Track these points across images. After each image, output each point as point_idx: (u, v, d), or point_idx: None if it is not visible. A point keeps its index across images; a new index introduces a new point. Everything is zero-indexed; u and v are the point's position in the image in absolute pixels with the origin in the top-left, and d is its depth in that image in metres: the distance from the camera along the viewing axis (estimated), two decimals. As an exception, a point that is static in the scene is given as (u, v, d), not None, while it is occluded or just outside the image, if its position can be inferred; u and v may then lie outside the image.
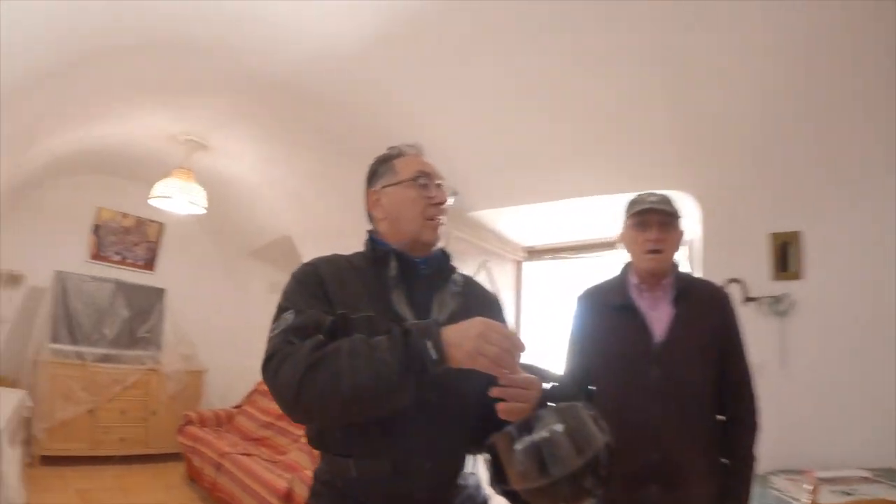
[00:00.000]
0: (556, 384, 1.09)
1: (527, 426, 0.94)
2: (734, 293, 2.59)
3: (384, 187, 1.26)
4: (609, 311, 1.76)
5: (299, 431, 4.21)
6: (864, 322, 2.44)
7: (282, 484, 3.31)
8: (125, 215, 5.67)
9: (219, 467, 3.97)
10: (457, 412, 1.10)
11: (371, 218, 1.31)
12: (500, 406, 0.97)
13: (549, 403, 1.00)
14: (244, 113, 3.58)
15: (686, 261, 2.91)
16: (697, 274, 2.69)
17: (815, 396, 2.47)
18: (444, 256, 1.28)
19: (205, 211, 4.42)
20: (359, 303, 1.12)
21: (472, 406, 1.08)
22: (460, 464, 1.16)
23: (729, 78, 2.40)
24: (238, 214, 5.49)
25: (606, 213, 3.21)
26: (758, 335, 2.01)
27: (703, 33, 2.22)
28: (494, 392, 0.97)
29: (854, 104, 2.33)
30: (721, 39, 2.24)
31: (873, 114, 2.32)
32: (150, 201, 4.33)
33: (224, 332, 5.98)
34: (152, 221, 5.80)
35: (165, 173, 4.25)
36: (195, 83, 3.18)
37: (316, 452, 1.22)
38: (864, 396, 2.37)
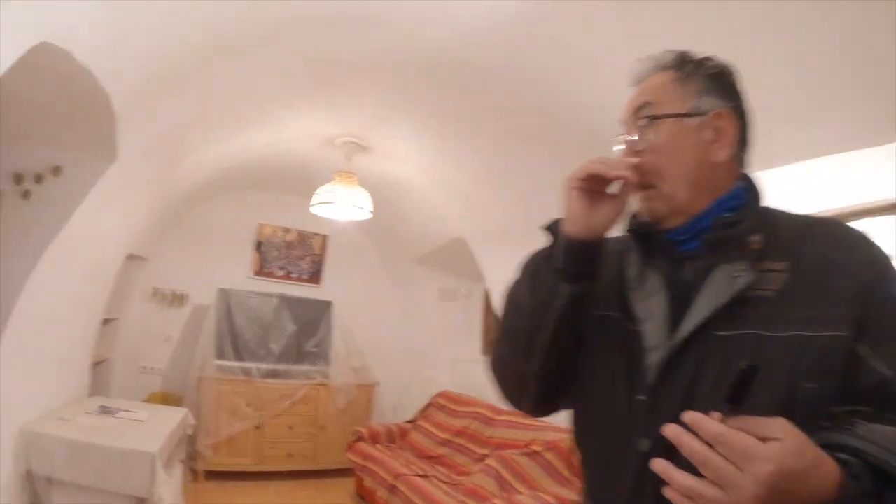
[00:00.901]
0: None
1: None
2: None
3: None
4: None
5: (482, 450, 3.82)
6: None
7: (468, 513, 2.92)
8: (287, 230, 5.70)
9: (392, 489, 3.66)
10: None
11: None
12: (679, 480, 0.61)
13: None
14: (403, 104, 3.25)
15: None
16: None
17: None
18: (728, 217, 0.82)
19: (371, 215, 4.18)
20: (603, 295, 0.88)
21: None
22: None
23: None
24: (403, 219, 5.26)
25: (843, 174, 2.42)
26: None
27: None
28: (668, 432, 0.62)
29: None
30: None
31: None
32: (312, 209, 4.15)
33: (395, 344, 5.83)
34: (315, 234, 5.78)
35: (326, 182, 4.07)
36: (347, 74, 2.87)
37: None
38: None
